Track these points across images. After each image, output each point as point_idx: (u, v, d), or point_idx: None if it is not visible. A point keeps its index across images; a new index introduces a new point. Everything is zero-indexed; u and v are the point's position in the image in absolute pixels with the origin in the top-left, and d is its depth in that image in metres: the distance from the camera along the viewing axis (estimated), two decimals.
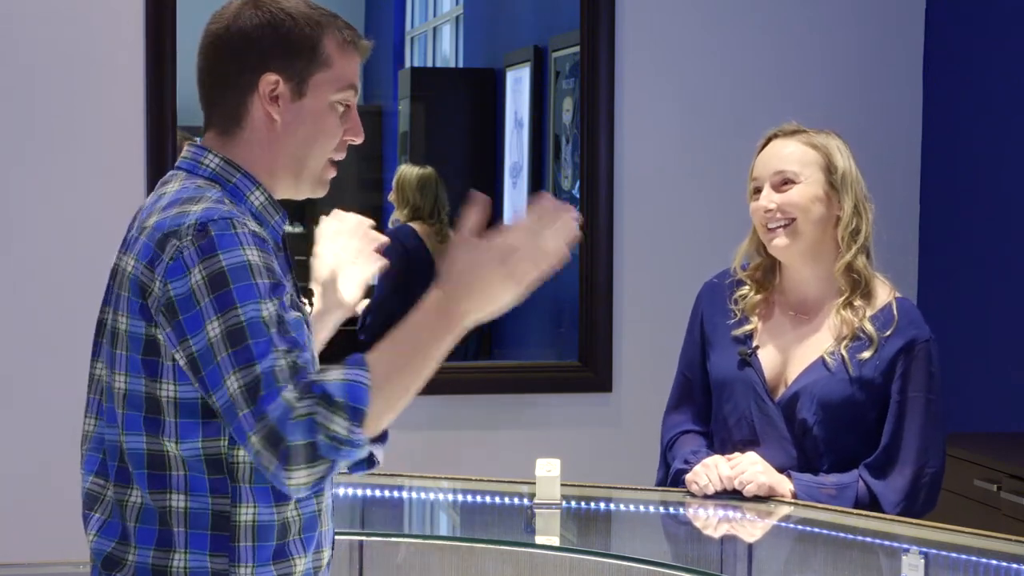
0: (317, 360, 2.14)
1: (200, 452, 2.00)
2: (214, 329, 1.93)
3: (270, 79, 2.09)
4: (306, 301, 2.18)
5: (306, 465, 1.89)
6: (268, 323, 1.93)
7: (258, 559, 2.02)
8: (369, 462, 2.05)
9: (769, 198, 2.99)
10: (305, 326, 2.05)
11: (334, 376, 1.92)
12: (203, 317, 1.94)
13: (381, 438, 2.01)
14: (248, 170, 2.11)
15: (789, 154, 3.01)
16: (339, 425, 1.89)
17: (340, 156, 2.16)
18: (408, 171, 5.63)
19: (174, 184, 2.10)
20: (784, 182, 2.99)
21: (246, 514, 2.02)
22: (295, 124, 2.11)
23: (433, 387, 5.28)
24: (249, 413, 1.90)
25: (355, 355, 1.96)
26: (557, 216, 2.02)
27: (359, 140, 2.17)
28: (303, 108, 2.11)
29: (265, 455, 1.89)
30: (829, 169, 3.00)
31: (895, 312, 2.99)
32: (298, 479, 1.89)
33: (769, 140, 3.07)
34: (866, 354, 2.96)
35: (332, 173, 2.17)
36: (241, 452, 1.99)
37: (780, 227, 2.98)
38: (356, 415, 1.90)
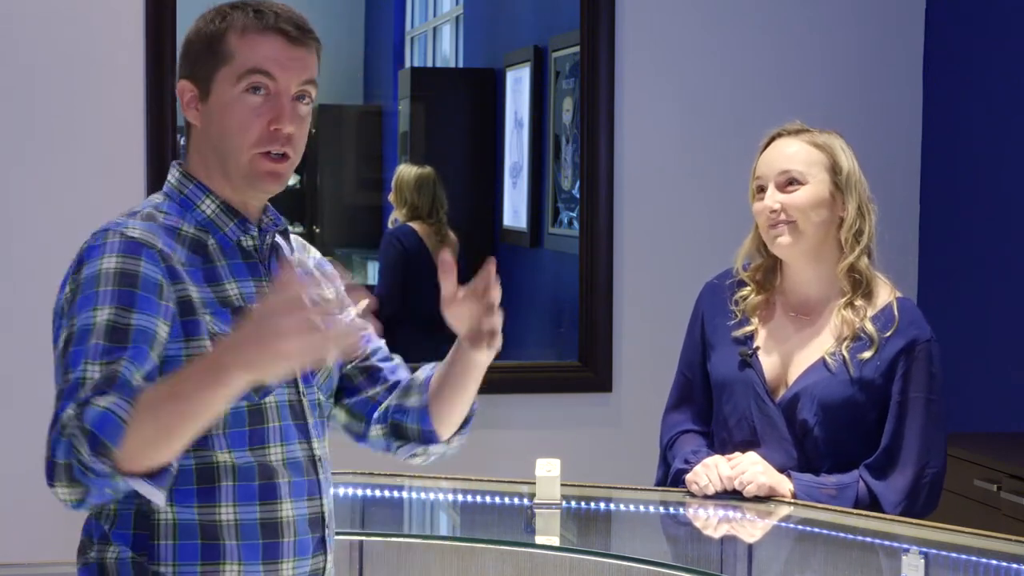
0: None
1: None
2: (58, 343, 2.00)
3: (185, 87, 2.15)
4: None
5: (67, 483, 1.88)
6: (94, 331, 1.95)
7: (179, 558, 2.05)
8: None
9: (774, 198, 2.98)
10: (150, 340, 1.97)
11: (100, 402, 1.88)
12: (57, 329, 2.02)
13: (156, 477, 1.88)
14: (200, 179, 2.15)
15: (794, 154, 3.00)
16: (84, 453, 1.86)
17: (272, 147, 2.11)
18: (406, 171, 5.63)
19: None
20: (789, 182, 2.99)
21: (165, 513, 2.05)
22: (208, 124, 2.14)
23: None
24: (52, 417, 1.93)
25: (132, 387, 1.91)
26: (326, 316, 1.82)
27: (284, 127, 2.10)
28: (211, 107, 2.13)
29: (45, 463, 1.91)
30: (834, 169, 3.00)
31: (896, 312, 2.98)
32: (60, 495, 1.90)
33: (772, 139, 3.06)
34: (867, 354, 2.96)
35: (269, 166, 2.12)
36: None
37: (784, 227, 2.97)
38: (97, 446, 1.85)
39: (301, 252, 2.31)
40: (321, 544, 2.17)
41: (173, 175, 2.19)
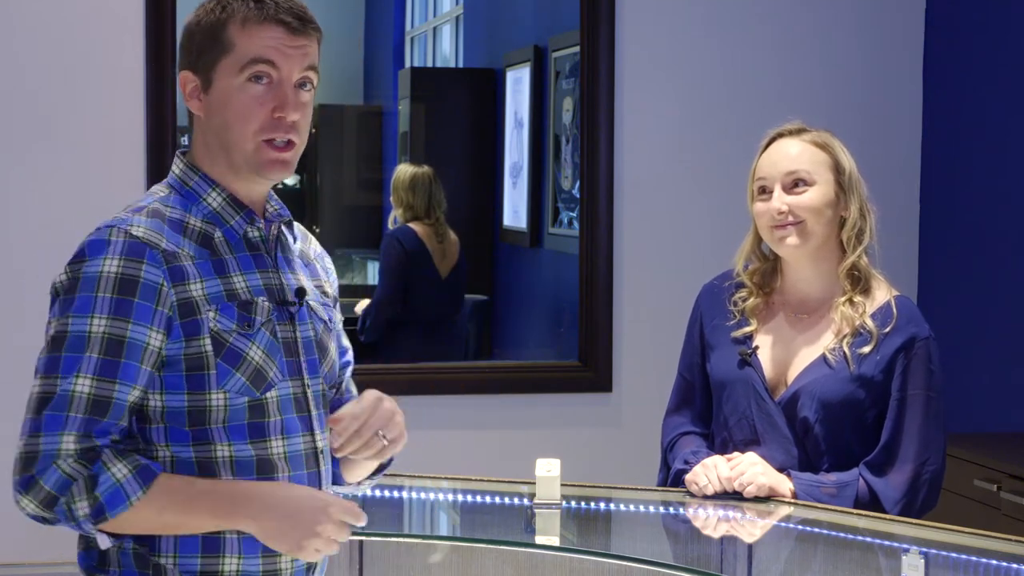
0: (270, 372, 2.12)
1: None
2: (50, 329, 2.05)
3: (187, 77, 2.16)
4: (296, 300, 2.18)
5: (38, 505, 1.99)
6: (89, 342, 2.01)
7: (181, 550, 2.07)
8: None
9: (781, 199, 2.98)
10: (140, 354, 2.03)
11: (117, 468, 1.99)
12: (52, 315, 2.07)
13: (117, 537, 2.07)
14: (205, 171, 2.16)
15: (799, 155, 3.00)
16: (80, 509, 1.98)
17: (276, 135, 2.13)
18: (402, 171, 5.62)
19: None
20: (796, 183, 2.99)
21: None
22: (211, 115, 2.15)
23: (433, 387, 5.28)
24: (29, 421, 2.02)
25: (155, 467, 2.02)
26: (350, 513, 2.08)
27: (288, 115, 2.12)
28: (214, 97, 2.14)
29: (17, 465, 2.00)
30: (837, 169, 3.00)
31: (894, 309, 2.98)
32: (24, 506, 2.01)
33: (773, 139, 3.06)
34: (866, 348, 2.96)
35: (274, 155, 2.13)
36: (160, 450, 2.06)
37: (791, 228, 2.97)
38: (97, 515, 1.99)
39: (303, 242, 2.32)
40: None
41: (178, 166, 2.18)
